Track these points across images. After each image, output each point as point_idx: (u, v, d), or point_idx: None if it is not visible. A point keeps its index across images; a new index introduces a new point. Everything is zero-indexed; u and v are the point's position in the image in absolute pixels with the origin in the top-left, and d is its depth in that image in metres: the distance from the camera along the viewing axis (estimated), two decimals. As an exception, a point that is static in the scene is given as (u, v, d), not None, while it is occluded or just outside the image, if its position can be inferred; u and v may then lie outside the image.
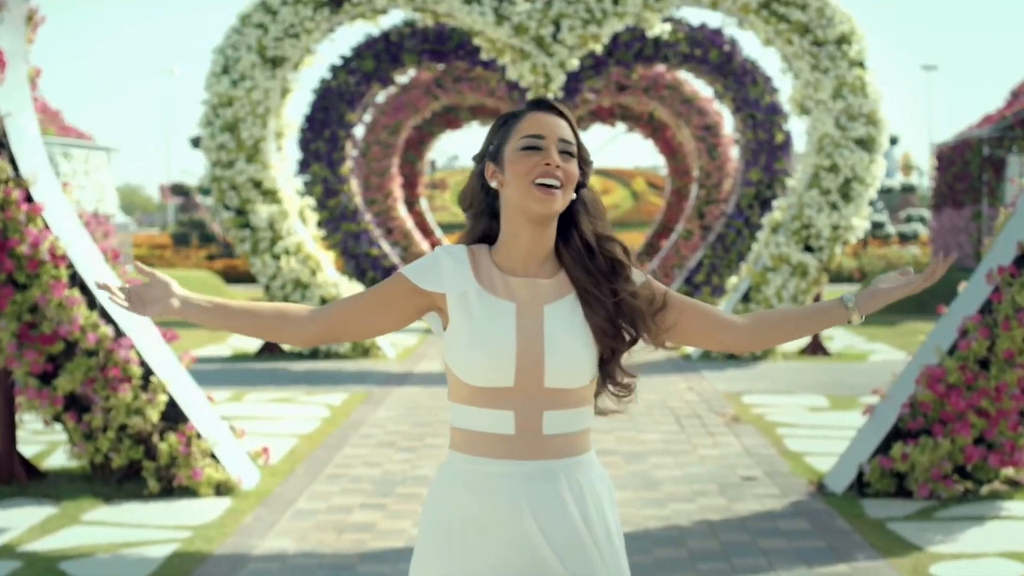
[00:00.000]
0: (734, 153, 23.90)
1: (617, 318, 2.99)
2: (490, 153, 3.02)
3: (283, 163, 17.06)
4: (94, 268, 8.68)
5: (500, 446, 2.93)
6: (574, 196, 3.01)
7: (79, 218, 9.06)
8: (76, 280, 8.47)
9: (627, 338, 3.01)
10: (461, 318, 2.94)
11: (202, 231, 38.64)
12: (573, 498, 2.93)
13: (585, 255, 3.01)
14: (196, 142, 16.87)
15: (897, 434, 8.36)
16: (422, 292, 2.98)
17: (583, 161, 3.02)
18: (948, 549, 7.07)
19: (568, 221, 3.03)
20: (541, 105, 3.00)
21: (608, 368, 2.99)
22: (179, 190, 49.97)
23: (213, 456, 8.48)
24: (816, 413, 11.97)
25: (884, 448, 8.35)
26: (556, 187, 2.92)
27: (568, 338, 2.94)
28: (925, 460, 8.14)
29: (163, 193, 58.71)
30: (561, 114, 2.99)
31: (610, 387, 3.02)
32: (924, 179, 57.00)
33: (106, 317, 8.45)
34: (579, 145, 3.00)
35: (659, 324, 3.03)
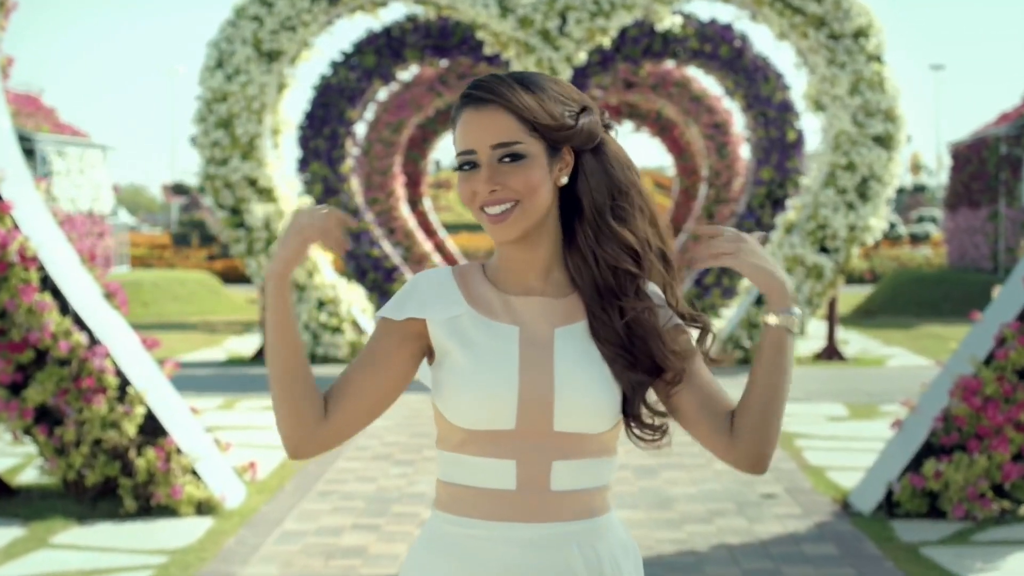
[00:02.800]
0: (744, 152, 23.38)
1: (632, 345, 2.37)
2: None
3: (280, 161, 16.50)
4: (68, 271, 8.12)
5: (497, 505, 2.33)
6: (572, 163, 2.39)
7: (55, 216, 8.50)
8: (48, 284, 7.91)
9: (648, 370, 2.38)
10: (452, 348, 2.35)
11: (202, 231, 38.16)
12: (588, 572, 2.33)
13: (591, 257, 2.40)
14: (193, 140, 16.25)
15: (929, 450, 7.78)
16: (406, 327, 2.39)
17: (561, 130, 2.35)
18: (989, 578, 6.51)
19: (576, 210, 2.42)
20: (468, 98, 2.36)
21: (631, 407, 2.38)
22: (180, 189, 49.56)
23: (194, 472, 7.91)
24: (836, 423, 11.40)
25: (915, 465, 7.78)
26: (501, 213, 2.33)
27: (584, 370, 2.34)
28: (960, 478, 7.56)
29: (165, 193, 58.37)
30: (496, 100, 2.33)
31: (635, 430, 2.41)
32: (933, 179, 56.49)
33: (79, 323, 7.89)
34: (538, 124, 2.33)
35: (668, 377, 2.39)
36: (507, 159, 2.32)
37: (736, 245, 2.39)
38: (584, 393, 2.33)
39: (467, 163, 2.35)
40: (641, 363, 2.37)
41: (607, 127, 2.44)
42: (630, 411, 2.38)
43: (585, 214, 2.40)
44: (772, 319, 2.35)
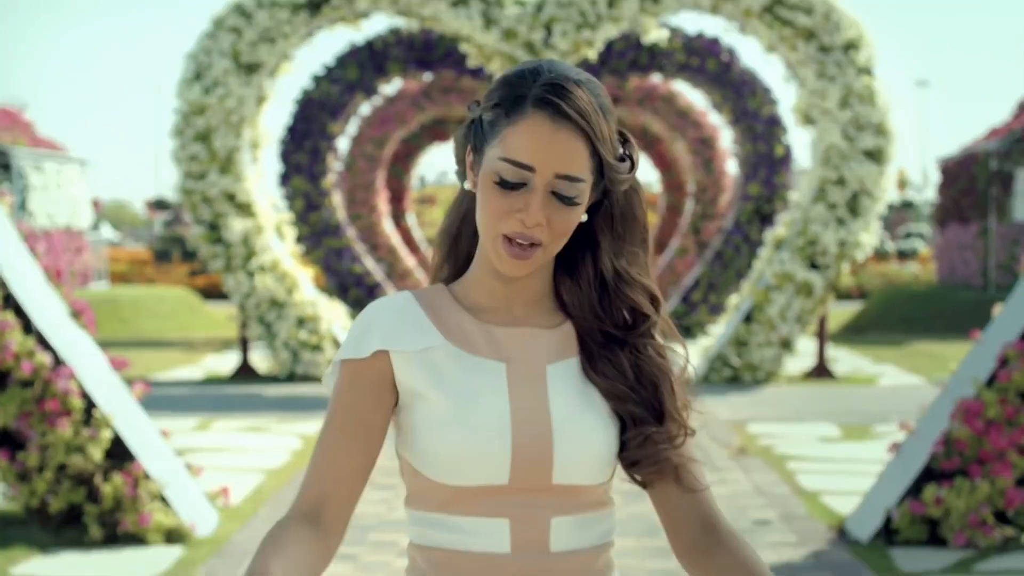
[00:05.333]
0: (730, 167, 23.18)
1: (638, 385, 2.05)
2: (475, 134, 2.03)
3: (259, 175, 16.17)
4: (32, 288, 7.79)
5: (490, 571, 1.98)
6: (602, 200, 2.05)
7: (19, 232, 8.17)
8: (10, 302, 7.57)
9: (651, 411, 2.05)
10: (425, 388, 1.99)
11: (183, 247, 37.81)
12: None
13: (596, 292, 2.07)
14: (171, 154, 15.96)
15: (929, 475, 7.48)
16: (374, 370, 2.01)
17: (619, 172, 2.01)
18: (996, 611, 6.21)
19: (583, 237, 2.09)
20: (548, 104, 1.95)
21: (629, 453, 2.04)
22: (162, 205, 49.27)
23: (163, 499, 7.57)
24: (828, 444, 11.10)
25: (914, 491, 7.47)
26: (527, 248, 1.98)
27: (584, 412, 2.01)
28: (961, 504, 7.26)
29: (148, 208, 58.09)
30: (580, 123, 1.95)
31: (631, 468, 2.07)
32: (920, 195, 56.39)
33: (43, 343, 7.55)
34: (604, 162, 1.99)
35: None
36: (562, 198, 1.96)
37: None
38: (586, 438, 2.00)
39: (512, 181, 1.96)
40: (646, 402, 2.05)
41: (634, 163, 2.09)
42: (625, 457, 2.05)
43: (604, 255, 2.07)
44: None
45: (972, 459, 7.37)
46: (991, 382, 7.41)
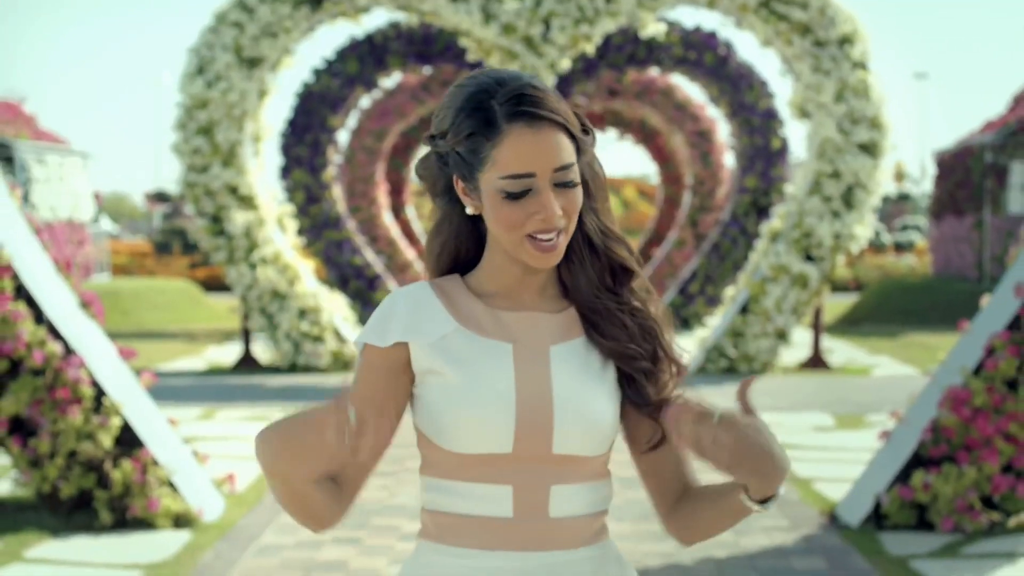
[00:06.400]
0: (728, 160, 23.32)
1: (644, 339, 2.26)
2: (456, 166, 2.22)
3: (260, 168, 16.34)
4: (43, 280, 7.97)
5: (493, 533, 2.18)
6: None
7: (30, 224, 8.35)
8: (22, 292, 7.75)
9: (662, 363, 2.27)
10: (439, 368, 2.19)
11: (184, 239, 37.93)
12: None
13: (588, 260, 2.27)
14: (173, 147, 16.11)
15: (917, 461, 7.67)
16: (394, 356, 2.21)
17: (588, 144, 2.23)
18: (980, 592, 6.40)
19: None
20: (521, 115, 2.15)
21: (640, 396, 2.25)
22: (162, 197, 49.34)
23: (171, 485, 7.76)
24: (822, 433, 11.28)
25: (903, 477, 7.66)
26: (553, 240, 2.17)
27: (584, 388, 2.21)
28: (949, 490, 7.45)
29: (148, 201, 58.14)
30: (553, 118, 2.16)
31: (637, 444, 2.30)
32: (917, 188, 56.50)
33: (54, 333, 7.74)
34: (579, 141, 2.20)
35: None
36: (565, 185, 2.17)
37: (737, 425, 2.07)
38: (585, 412, 2.20)
39: (519, 191, 2.15)
40: (653, 353, 2.26)
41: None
42: (640, 400, 2.25)
43: (588, 220, 2.27)
44: (753, 507, 2.17)
45: (959, 446, 7.55)
46: (978, 371, 7.60)
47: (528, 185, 2.15)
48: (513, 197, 2.15)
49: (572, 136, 2.19)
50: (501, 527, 2.18)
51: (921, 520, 7.58)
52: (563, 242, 2.19)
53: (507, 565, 2.17)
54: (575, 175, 2.18)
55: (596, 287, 2.26)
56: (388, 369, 2.22)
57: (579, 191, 2.19)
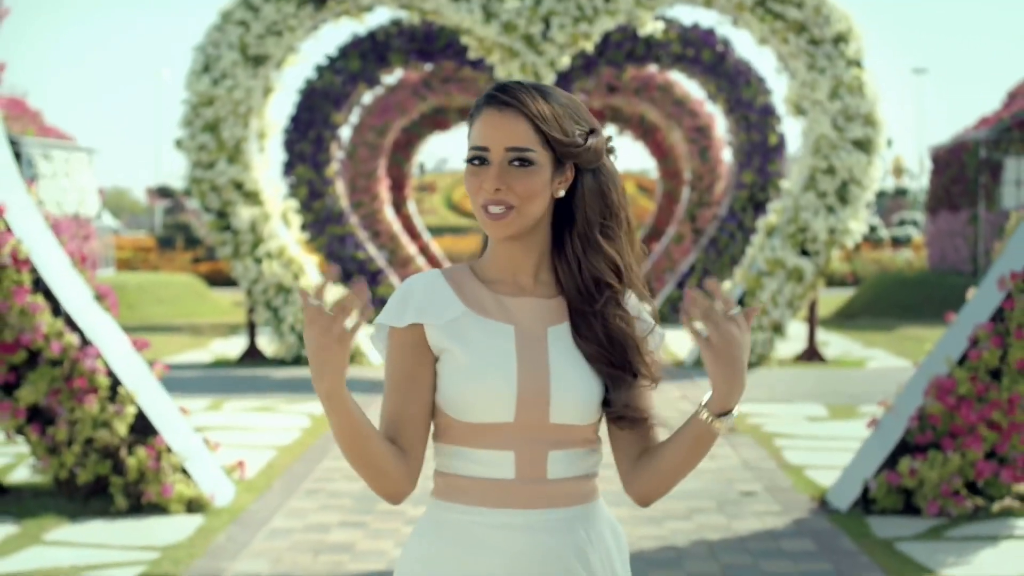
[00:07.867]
0: (726, 155, 23.54)
1: (611, 347, 2.53)
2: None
3: (265, 164, 16.61)
4: (60, 273, 8.24)
5: (497, 493, 2.49)
6: (571, 179, 2.54)
7: (45, 219, 8.62)
8: (40, 285, 8.03)
9: (625, 370, 2.55)
10: (451, 347, 2.49)
11: (187, 234, 38.19)
12: (585, 553, 2.51)
13: (575, 266, 2.57)
14: (179, 143, 16.36)
15: (904, 448, 7.96)
16: (413, 335, 2.52)
17: (570, 147, 2.50)
18: (961, 572, 6.67)
19: (568, 217, 2.57)
20: (492, 99, 2.50)
21: (611, 401, 2.53)
22: (164, 192, 49.56)
23: (184, 471, 8.05)
24: (815, 423, 11.56)
25: (891, 463, 7.95)
26: (501, 213, 2.47)
27: (574, 366, 2.51)
28: (934, 476, 7.73)
29: (149, 196, 58.33)
30: (518, 106, 2.47)
31: (614, 423, 2.57)
32: (915, 182, 56.73)
33: (71, 325, 8.01)
34: (550, 138, 2.47)
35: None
36: (517, 163, 2.47)
37: (730, 331, 2.42)
38: (576, 387, 2.49)
39: (478, 158, 2.48)
40: (618, 363, 2.53)
41: (609, 151, 2.58)
42: (611, 404, 2.53)
43: (577, 227, 2.55)
44: (713, 422, 2.44)
45: (944, 433, 7.83)
46: (963, 361, 7.87)
47: (481, 156, 2.48)
48: (472, 164, 2.49)
49: (539, 129, 2.47)
50: (504, 488, 2.48)
51: (908, 505, 7.86)
52: (514, 218, 2.47)
53: (510, 521, 2.48)
54: (530, 158, 2.46)
55: (577, 288, 2.56)
56: (410, 345, 2.52)
57: (534, 175, 2.48)
